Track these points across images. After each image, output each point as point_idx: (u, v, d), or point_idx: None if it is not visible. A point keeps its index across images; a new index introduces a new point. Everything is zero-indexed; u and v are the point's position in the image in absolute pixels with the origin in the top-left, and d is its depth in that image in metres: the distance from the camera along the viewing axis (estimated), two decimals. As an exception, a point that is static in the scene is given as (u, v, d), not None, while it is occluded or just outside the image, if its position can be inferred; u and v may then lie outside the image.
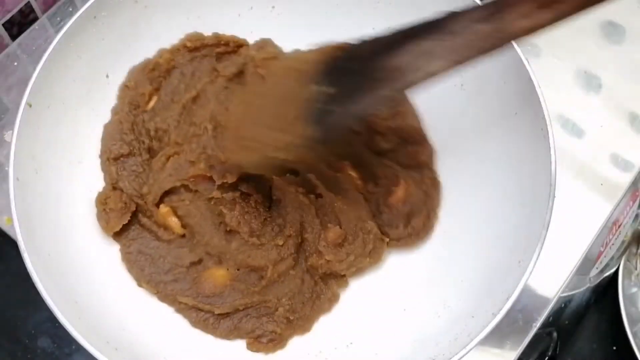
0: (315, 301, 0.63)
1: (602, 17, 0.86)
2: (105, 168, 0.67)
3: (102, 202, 0.64)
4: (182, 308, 0.62)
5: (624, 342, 0.98)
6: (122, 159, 0.67)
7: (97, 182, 0.67)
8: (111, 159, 0.66)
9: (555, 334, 0.88)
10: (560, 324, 0.91)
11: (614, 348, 1.10)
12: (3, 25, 0.80)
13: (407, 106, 0.71)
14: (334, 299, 0.64)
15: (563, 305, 0.85)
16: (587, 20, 0.86)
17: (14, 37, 0.83)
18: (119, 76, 0.70)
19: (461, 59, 0.50)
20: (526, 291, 0.53)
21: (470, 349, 0.52)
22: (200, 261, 0.64)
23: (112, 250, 0.64)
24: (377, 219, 0.66)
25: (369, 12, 0.72)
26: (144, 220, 0.65)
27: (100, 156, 0.67)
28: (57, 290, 0.54)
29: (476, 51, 0.50)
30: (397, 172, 0.68)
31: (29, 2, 0.82)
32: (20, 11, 0.82)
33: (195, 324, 0.62)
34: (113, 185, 0.65)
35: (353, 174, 0.67)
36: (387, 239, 0.65)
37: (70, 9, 0.86)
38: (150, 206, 0.64)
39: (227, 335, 0.61)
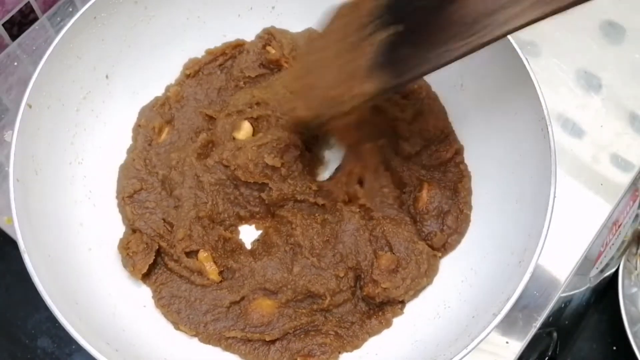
0: (366, 321, 0.62)
1: (602, 17, 0.86)
2: (121, 209, 0.67)
3: (125, 247, 0.63)
4: (230, 344, 0.61)
5: (624, 342, 0.98)
6: (135, 195, 0.66)
7: (97, 184, 0.67)
8: (125, 198, 0.66)
9: (555, 334, 0.88)
10: (560, 324, 0.91)
11: (614, 348, 1.10)
12: (3, 25, 0.80)
13: (431, 104, 0.70)
14: (386, 324, 0.62)
15: (563, 305, 0.84)
16: (587, 20, 0.86)
17: (14, 37, 0.83)
18: (119, 77, 0.70)
19: (543, 13, 0.46)
20: (526, 291, 0.53)
21: (471, 349, 0.52)
22: (242, 299, 0.63)
23: (112, 250, 0.64)
24: (421, 234, 0.65)
25: (369, 12, 0.72)
26: (172, 264, 0.64)
27: (117, 197, 0.67)
28: (57, 291, 0.54)
29: (555, 6, 0.46)
30: (419, 176, 0.67)
31: (29, 2, 0.82)
32: (20, 11, 0.82)
33: (247, 355, 0.60)
34: (132, 228, 0.65)
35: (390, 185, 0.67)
36: (439, 254, 0.64)
37: (70, 9, 0.86)
38: (179, 253, 0.63)
39: (279, 359, 0.60)
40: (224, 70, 0.73)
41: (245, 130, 0.66)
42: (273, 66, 0.72)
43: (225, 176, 0.65)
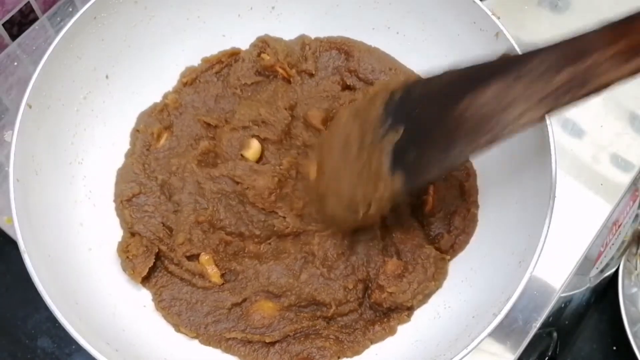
0: (369, 327, 0.61)
1: (602, 17, 0.85)
2: (119, 213, 0.66)
3: (124, 250, 0.63)
4: (230, 345, 0.61)
5: (624, 342, 0.98)
6: (134, 199, 0.66)
7: (98, 184, 0.67)
8: (124, 202, 0.66)
9: (555, 334, 0.88)
10: (560, 324, 0.91)
11: (614, 348, 1.10)
12: (3, 25, 0.80)
13: None
14: (389, 331, 0.62)
15: (563, 305, 0.85)
16: (587, 20, 0.86)
17: (14, 37, 0.83)
18: (119, 77, 0.70)
19: (551, 107, 0.46)
20: (526, 291, 0.53)
21: (471, 350, 0.52)
22: (244, 301, 0.63)
23: (113, 250, 0.64)
24: (429, 237, 0.65)
25: (368, 12, 0.72)
26: (172, 267, 0.64)
27: (114, 201, 0.67)
28: (57, 291, 0.54)
29: (566, 99, 0.45)
30: None
31: (29, 2, 0.82)
32: (20, 11, 0.82)
33: (246, 356, 0.60)
34: (130, 231, 0.65)
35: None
36: (448, 257, 0.64)
37: (70, 9, 0.86)
38: (179, 257, 0.63)
39: None
40: (220, 78, 0.73)
41: (254, 149, 0.67)
42: (268, 72, 0.72)
43: (230, 189, 0.65)
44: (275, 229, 0.64)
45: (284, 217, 0.64)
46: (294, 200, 0.64)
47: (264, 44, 0.72)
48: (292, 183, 0.65)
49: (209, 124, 0.70)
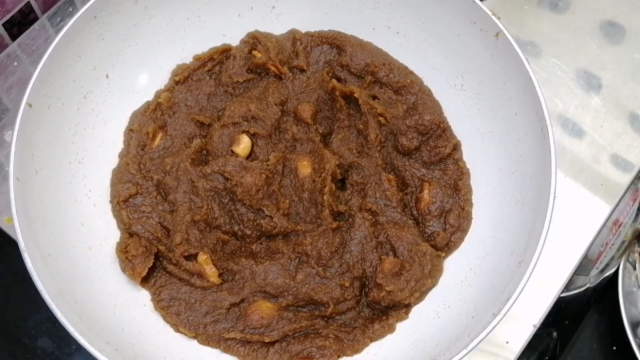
0: (368, 326, 0.62)
1: (602, 17, 0.86)
2: (116, 214, 0.66)
3: (123, 250, 0.63)
4: (229, 345, 0.61)
5: (624, 342, 0.98)
6: (130, 199, 0.66)
7: (98, 183, 0.67)
8: (120, 202, 0.66)
9: (555, 334, 0.88)
10: (560, 324, 0.91)
11: (614, 348, 1.10)
12: (3, 25, 0.80)
13: (425, 99, 0.70)
14: (389, 329, 0.62)
15: (563, 305, 0.85)
16: (587, 20, 0.86)
17: (14, 37, 0.83)
18: (120, 76, 0.70)
19: None
20: (526, 291, 0.53)
21: (471, 349, 0.52)
22: (242, 301, 0.63)
23: (112, 249, 0.64)
24: (424, 235, 0.65)
25: (368, 12, 0.73)
26: (171, 267, 0.64)
27: (111, 202, 0.67)
28: (57, 290, 0.54)
29: None
30: (420, 175, 0.68)
31: (29, 2, 0.82)
32: (20, 11, 0.82)
33: (245, 356, 0.60)
34: (128, 232, 0.65)
35: (393, 183, 0.67)
36: (443, 254, 0.64)
37: (70, 9, 0.86)
38: (178, 257, 0.63)
39: None
40: (212, 76, 0.73)
41: (244, 144, 0.67)
42: (260, 70, 0.72)
43: (222, 186, 0.65)
44: (263, 229, 0.64)
45: (271, 217, 0.64)
46: (280, 199, 0.65)
47: (254, 40, 0.72)
48: (279, 179, 0.66)
49: (202, 123, 0.70)
